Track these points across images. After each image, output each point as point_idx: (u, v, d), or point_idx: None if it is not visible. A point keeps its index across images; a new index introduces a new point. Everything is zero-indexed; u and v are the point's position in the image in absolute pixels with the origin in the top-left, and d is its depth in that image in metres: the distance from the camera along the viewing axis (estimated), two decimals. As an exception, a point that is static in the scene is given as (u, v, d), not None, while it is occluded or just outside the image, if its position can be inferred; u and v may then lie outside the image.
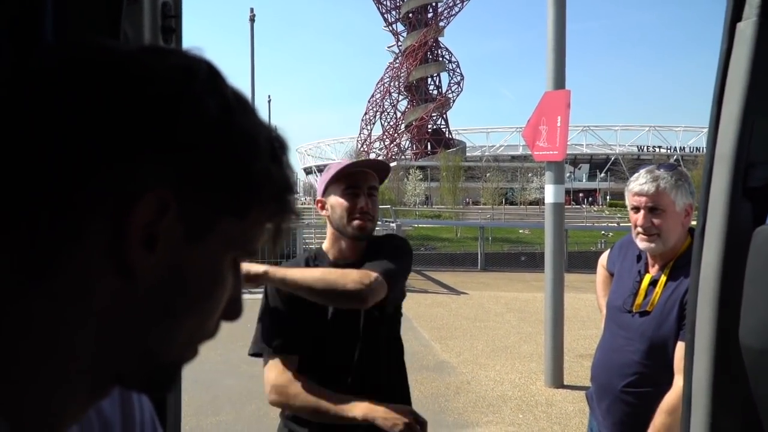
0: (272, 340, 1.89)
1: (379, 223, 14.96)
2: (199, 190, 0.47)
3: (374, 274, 1.72)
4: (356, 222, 1.92)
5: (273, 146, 0.52)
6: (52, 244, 0.44)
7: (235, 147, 0.49)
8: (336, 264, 1.95)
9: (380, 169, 2.00)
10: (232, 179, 0.49)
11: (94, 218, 0.44)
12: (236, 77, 0.54)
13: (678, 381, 1.86)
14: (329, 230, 2.00)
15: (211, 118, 0.48)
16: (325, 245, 2.03)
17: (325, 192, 1.97)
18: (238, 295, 0.55)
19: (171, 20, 1.09)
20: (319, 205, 2.00)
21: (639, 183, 2.12)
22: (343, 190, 1.93)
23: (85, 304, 0.45)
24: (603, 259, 2.56)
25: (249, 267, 1.68)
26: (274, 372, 1.86)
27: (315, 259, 2.01)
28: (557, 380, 6.16)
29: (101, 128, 0.44)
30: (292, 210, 0.54)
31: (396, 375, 1.99)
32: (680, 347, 1.88)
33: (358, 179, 1.94)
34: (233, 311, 0.55)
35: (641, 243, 2.13)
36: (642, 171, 2.16)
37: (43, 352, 0.45)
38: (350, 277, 1.70)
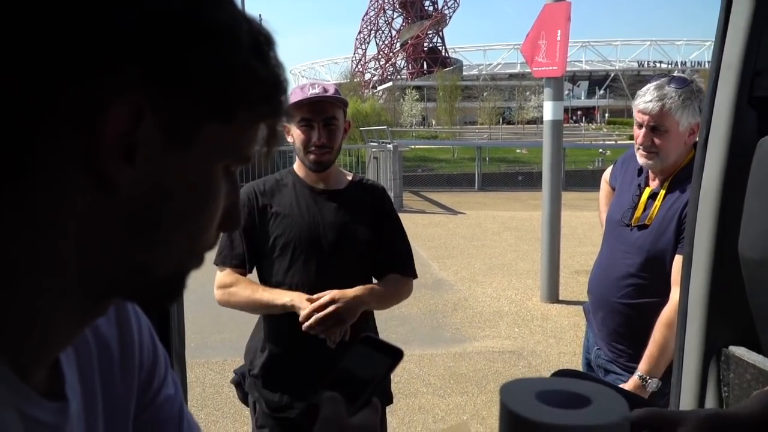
0: (232, 258, 1.98)
1: (375, 144, 14.69)
2: (176, 93, 0.44)
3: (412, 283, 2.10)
4: (311, 156, 1.93)
5: (256, 40, 0.48)
6: (22, 158, 0.41)
7: (210, 42, 0.44)
8: (313, 189, 1.99)
9: (337, 98, 1.95)
10: (210, 79, 0.45)
11: (66, 132, 0.42)
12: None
13: (675, 293, 1.89)
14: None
15: (176, 11, 0.43)
16: (296, 165, 2.06)
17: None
18: (235, 204, 0.53)
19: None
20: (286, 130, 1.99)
21: (645, 100, 2.05)
22: (298, 122, 1.91)
23: (64, 217, 0.43)
24: (606, 174, 2.55)
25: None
26: (222, 275, 1.98)
27: (293, 181, 2.02)
28: (553, 296, 6.29)
29: (56, 37, 0.40)
30: (284, 110, 0.51)
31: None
32: (678, 260, 1.90)
33: (313, 111, 1.89)
34: (231, 221, 0.53)
35: (640, 159, 2.12)
36: (651, 86, 2.07)
37: (22, 262, 0.43)
38: (405, 294, 2.09)
